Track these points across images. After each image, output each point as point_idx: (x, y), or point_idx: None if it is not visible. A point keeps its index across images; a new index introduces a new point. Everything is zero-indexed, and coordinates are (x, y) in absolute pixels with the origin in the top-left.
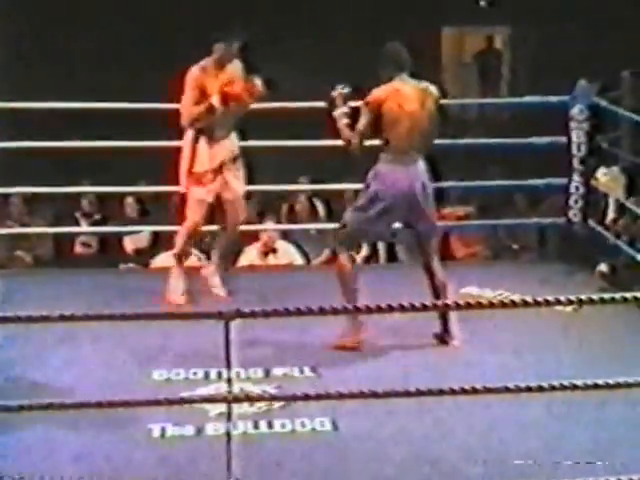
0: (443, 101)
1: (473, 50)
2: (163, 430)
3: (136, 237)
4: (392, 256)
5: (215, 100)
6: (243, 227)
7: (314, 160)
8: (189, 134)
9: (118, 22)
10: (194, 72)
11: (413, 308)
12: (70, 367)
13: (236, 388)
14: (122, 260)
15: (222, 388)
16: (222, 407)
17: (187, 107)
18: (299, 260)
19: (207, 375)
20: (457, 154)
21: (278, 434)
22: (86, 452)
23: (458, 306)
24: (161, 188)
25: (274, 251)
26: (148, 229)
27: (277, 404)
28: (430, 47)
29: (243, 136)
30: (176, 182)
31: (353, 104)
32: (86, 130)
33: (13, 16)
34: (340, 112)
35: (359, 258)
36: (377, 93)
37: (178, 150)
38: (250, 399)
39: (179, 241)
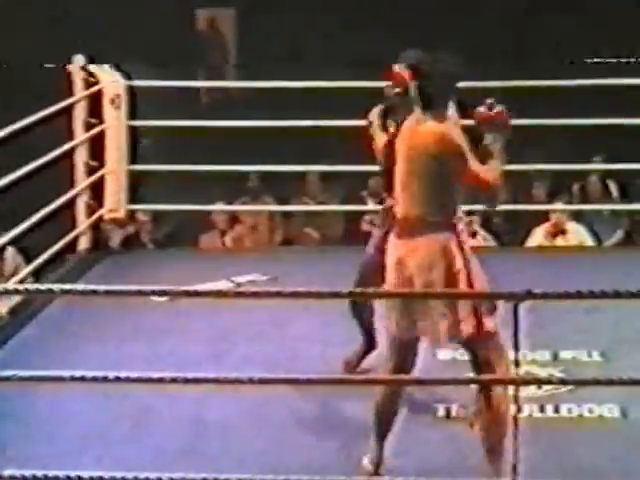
0: None
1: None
2: (448, 410)
3: None
4: None
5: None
6: (532, 207)
7: (609, 138)
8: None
9: None
10: None
11: None
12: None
13: (522, 370)
14: None
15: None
16: (508, 389)
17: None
18: (590, 241)
19: None
20: None
21: (564, 419)
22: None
23: None
24: None
25: (563, 232)
26: None
27: (564, 388)
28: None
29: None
30: None
31: None
32: None
33: None
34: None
35: None
36: None
37: None
38: (538, 382)
39: None
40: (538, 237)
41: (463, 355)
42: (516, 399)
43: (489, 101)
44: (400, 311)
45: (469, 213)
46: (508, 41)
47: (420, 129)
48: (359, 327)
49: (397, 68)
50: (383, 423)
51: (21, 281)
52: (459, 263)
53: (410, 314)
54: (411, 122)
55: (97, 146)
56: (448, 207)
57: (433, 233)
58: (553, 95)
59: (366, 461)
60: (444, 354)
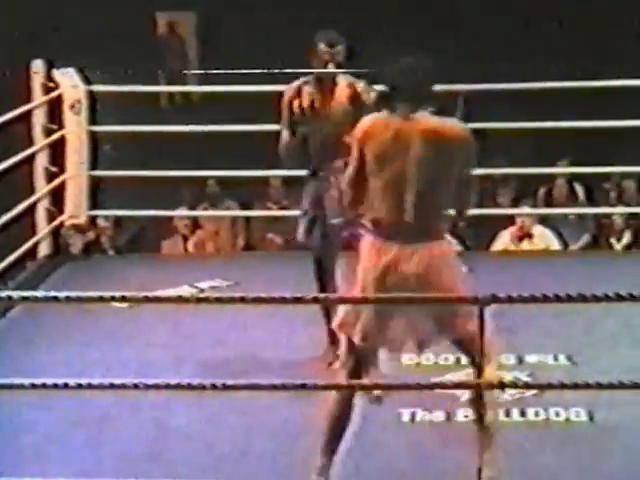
0: None
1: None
2: (413, 415)
3: None
4: None
5: None
6: (498, 211)
7: (575, 142)
8: None
9: None
10: None
11: None
12: (318, 349)
13: None
14: None
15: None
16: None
17: None
18: (556, 245)
19: (458, 360)
20: None
21: (531, 423)
22: None
23: None
24: None
25: (530, 236)
26: None
27: (530, 392)
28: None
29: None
30: None
31: None
32: None
33: None
34: None
35: (619, 246)
36: None
37: None
38: (503, 386)
39: None
40: (504, 241)
41: (428, 360)
42: (482, 403)
43: None
44: (371, 319)
45: None
46: (475, 43)
47: (439, 128)
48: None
49: (322, 47)
50: (334, 435)
51: None
52: (460, 274)
53: (383, 322)
54: (403, 116)
55: (57, 152)
56: (447, 213)
57: (436, 240)
58: (518, 98)
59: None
60: (409, 358)
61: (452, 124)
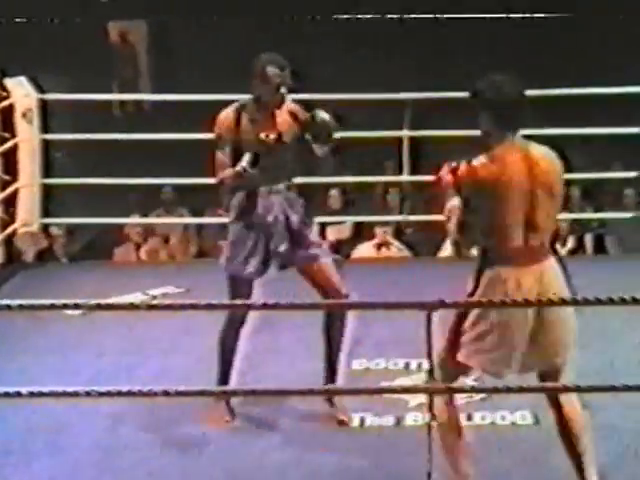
0: None
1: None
2: (362, 420)
3: (338, 228)
4: (600, 248)
5: None
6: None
7: None
8: None
9: None
10: None
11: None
12: (271, 355)
13: None
14: None
15: (422, 379)
16: (422, 398)
17: None
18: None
19: (407, 366)
20: None
21: (478, 426)
22: (285, 438)
23: None
24: (365, 179)
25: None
26: (351, 219)
27: (477, 396)
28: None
29: None
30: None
31: None
32: None
33: None
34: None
35: (564, 251)
36: None
37: None
38: (451, 391)
39: None
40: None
41: (378, 365)
42: (430, 408)
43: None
44: (495, 347)
45: (384, 224)
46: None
47: (539, 158)
48: (221, 356)
49: (272, 70)
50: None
51: None
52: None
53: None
54: (509, 151)
55: (10, 160)
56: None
57: (548, 258)
58: (466, 106)
59: None
60: (359, 363)
61: (549, 155)
